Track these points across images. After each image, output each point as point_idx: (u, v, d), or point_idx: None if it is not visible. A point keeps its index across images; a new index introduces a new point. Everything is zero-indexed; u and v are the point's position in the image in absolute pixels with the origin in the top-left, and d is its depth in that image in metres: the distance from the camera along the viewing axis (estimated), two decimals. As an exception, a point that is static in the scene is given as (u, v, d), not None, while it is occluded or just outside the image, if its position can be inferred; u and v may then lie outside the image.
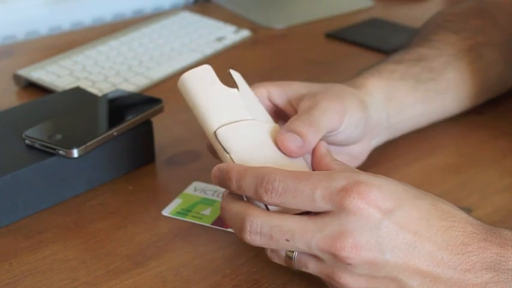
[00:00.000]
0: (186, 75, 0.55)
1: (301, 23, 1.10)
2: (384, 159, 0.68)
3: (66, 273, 0.53)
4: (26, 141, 0.60)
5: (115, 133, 0.63)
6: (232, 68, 0.59)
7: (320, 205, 0.46)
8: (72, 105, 0.68)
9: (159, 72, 0.88)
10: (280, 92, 0.60)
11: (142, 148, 0.67)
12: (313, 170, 0.53)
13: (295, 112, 0.58)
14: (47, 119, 0.64)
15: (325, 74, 0.90)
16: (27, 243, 0.56)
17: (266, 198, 0.46)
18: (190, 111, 0.54)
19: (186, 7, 1.17)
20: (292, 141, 0.53)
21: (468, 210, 0.58)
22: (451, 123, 0.74)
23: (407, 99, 0.68)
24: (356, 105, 0.59)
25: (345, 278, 0.46)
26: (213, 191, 0.63)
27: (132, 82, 0.85)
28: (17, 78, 0.85)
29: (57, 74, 0.85)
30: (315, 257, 0.47)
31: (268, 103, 0.60)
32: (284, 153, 0.53)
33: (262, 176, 0.47)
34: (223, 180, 0.49)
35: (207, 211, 0.60)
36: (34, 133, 0.61)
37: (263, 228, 0.47)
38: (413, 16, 1.12)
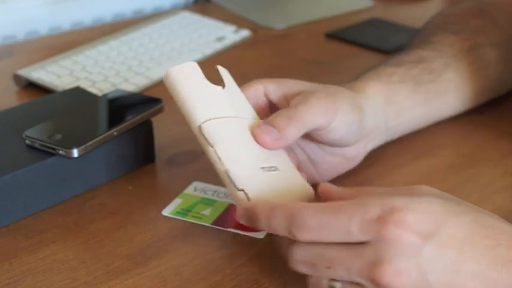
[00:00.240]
0: (171, 71, 0.55)
1: (301, 23, 1.10)
2: (383, 159, 0.68)
3: (66, 273, 0.53)
4: (26, 141, 0.60)
5: (115, 133, 0.63)
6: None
7: (357, 237, 0.44)
8: (72, 105, 0.68)
9: (159, 72, 0.88)
10: (276, 88, 0.60)
11: (142, 148, 0.67)
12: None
13: None
14: (47, 119, 0.64)
15: (325, 74, 0.90)
16: (27, 243, 0.56)
17: (300, 236, 0.46)
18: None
19: (186, 7, 1.17)
20: (267, 134, 0.54)
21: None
22: (451, 123, 0.74)
23: (407, 102, 0.67)
24: (350, 106, 0.59)
25: None
26: (213, 191, 0.63)
27: (132, 82, 0.85)
28: (17, 78, 0.85)
29: (57, 74, 0.85)
30: (358, 284, 0.45)
31: (264, 99, 0.60)
32: (262, 146, 0.54)
33: (293, 215, 0.46)
34: (251, 220, 0.49)
35: (207, 211, 0.60)
36: (34, 133, 0.61)
37: (306, 258, 0.46)
38: (413, 16, 1.12)
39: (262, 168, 0.53)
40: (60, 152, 0.59)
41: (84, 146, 0.59)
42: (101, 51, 0.93)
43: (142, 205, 0.61)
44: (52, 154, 0.59)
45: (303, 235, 0.45)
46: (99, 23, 1.12)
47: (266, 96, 0.60)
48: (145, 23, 1.03)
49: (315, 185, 0.54)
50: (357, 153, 0.63)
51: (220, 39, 1.00)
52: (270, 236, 0.57)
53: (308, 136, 0.60)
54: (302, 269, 0.47)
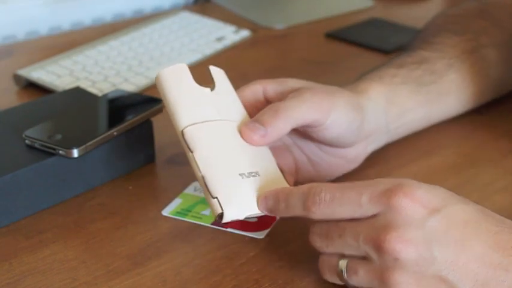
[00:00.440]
0: (161, 73, 0.56)
1: (301, 23, 1.10)
2: (383, 159, 0.68)
3: (66, 273, 0.53)
4: (26, 141, 0.60)
5: (115, 133, 0.63)
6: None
7: (367, 208, 0.46)
8: (72, 105, 0.68)
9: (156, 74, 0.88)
10: (275, 87, 0.59)
11: (142, 148, 0.67)
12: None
13: None
14: (47, 119, 0.64)
15: (325, 74, 0.90)
16: (27, 243, 0.56)
17: (314, 209, 0.47)
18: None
19: (186, 7, 1.17)
20: (253, 131, 0.54)
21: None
22: (451, 123, 0.74)
23: (408, 104, 0.67)
24: (348, 105, 0.59)
25: (394, 277, 0.45)
26: (213, 191, 0.63)
27: (132, 82, 0.85)
28: (17, 78, 0.85)
29: (57, 74, 0.85)
30: (365, 260, 0.46)
31: (263, 99, 0.60)
32: (249, 143, 0.54)
33: (309, 189, 0.48)
34: (273, 204, 0.51)
35: (207, 211, 0.60)
36: (34, 133, 0.61)
37: (322, 229, 0.48)
38: (413, 16, 1.12)
39: (241, 174, 0.53)
40: (60, 152, 0.59)
41: (84, 146, 0.59)
42: (101, 51, 0.93)
43: (142, 205, 0.61)
44: (52, 154, 0.59)
45: (318, 209, 0.47)
46: (99, 23, 1.12)
47: (265, 96, 0.60)
48: (145, 23, 1.03)
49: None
50: (357, 154, 0.63)
51: (220, 39, 1.00)
52: (270, 236, 0.57)
53: (306, 135, 0.60)
54: (317, 241, 0.49)
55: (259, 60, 0.97)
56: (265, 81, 0.60)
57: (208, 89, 0.57)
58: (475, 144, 0.73)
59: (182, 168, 0.67)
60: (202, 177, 0.52)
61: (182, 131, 0.54)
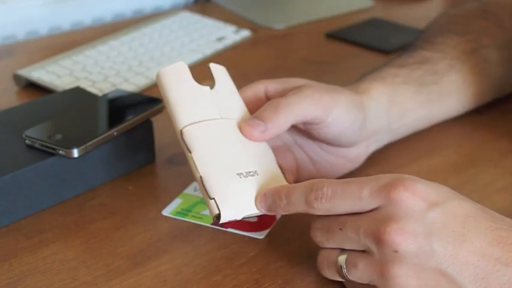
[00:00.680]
0: (161, 72, 0.56)
1: (301, 23, 1.10)
2: (383, 159, 0.68)
3: (66, 273, 0.53)
4: (26, 141, 0.60)
5: (115, 133, 0.63)
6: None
7: (367, 202, 0.46)
8: (72, 105, 0.68)
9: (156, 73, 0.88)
10: (277, 86, 0.60)
11: (142, 148, 0.67)
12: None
13: None
14: (47, 119, 0.64)
15: (325, 74, 0.90)
16: (27, 243, 0.56)
17: (317, 204, 0.48)
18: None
19: (186, 7, 1.17)
20: (253, 127, 0.54)
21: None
22: (451, 123, 0.74)
23: (410, 104, 0.67)
24: (350, 103, 0.59)
25: (394, 270, 0.45)
26: (213, 191, 0.63)
27: (132, 82, 0.85)
28: (17, 78, 0.85)
29: (57, 74, 0.85)
30: (365, 253, 0.47)
31: (265, 99, 0.60)
32: (250, 139, 0.55)
33: (311, 184, 0.48)
34: (273, 202, 0.51)
35: (207, 211, 0.60)
36: (34, 133, 0.61)
37: (323, 223, 0.49)
38: (413, 16, 1.12)
39: (239, 174, 0.53)
40: (60, 152, 0.59)
41: (84, 146, 0.59)
42: (101, 51, 0.93)
43: (142, 205, 0.61)
44: (52, 154, 0.59)
45: (320, 204, 0.47)
46: (99, 23, 1.12)
47: (267, 96, 0.60)
48: (145, 23, 1.03)
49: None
50: (358, 154, 0.63)
51: (220, 39, 1.00)
52: (270, 236, 0.57)
53: (307, 134, 0.60)
54: (317, 236, 0.49)
55: (260, 60, 0.97)
56: (267, 81, 0.60)
57: (207, 88, 0.57)
58: (475, 144, 0.73)
59: (182, 168, 0.67)
60: (200, 177, 0.52)
61: (181, 131, 0.54)
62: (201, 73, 0.58)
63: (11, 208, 0.58)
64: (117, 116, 0.66)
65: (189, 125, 0.54)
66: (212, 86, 0.57)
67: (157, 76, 0.56)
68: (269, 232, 0.58)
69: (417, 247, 0.44)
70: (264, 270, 0.53)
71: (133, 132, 0.65)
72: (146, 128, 0.67)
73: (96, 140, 0.61)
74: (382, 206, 0.46)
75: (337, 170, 0.63)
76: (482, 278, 0.44)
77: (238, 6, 1.15)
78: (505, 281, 0.44)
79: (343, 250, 0.48)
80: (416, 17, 1.11)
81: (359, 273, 0.47)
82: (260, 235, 0.57)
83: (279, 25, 1.08)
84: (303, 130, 0.60)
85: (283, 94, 0.58)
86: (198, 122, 0.54)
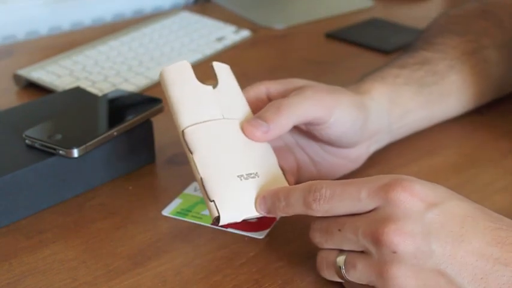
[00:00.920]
0: (164, 71, 0.56)
1: (301, 23, 1.10)
2: (384, 159, 0.68)
3: (66, 273, 0.53)
4: (26, 141, 0.60)
5: (115, 133, 0.63)
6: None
7: (366, 203, 0.46)
8: (72, 105, 0.68)
9: (159, 72, 0.88)
10: (278, 87, 0.60)
11: (142, 148, 0.67)
12: None
13: None
14: (47, 119, 0.64)
15: (325, 74, 0.90)
16: (27, 243, 0.56)
17: (315, 206, 0.48)
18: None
19: (186, 7, 1.17)
20: (255, 128, 0.54)
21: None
22: (451, 123, 0.74)
23: (410, 104, 0.67)
24: (352, 103, 0.59)
25: (392, 271, 0.45)
26: (213, 191, 0.63)
27: (132, 82, 0.85)
28: (17, 78, 0.85)
29: (57, 74, 0.85)
30: (364, 254, 0.47)
31: (266, 100, 0.60)
32: (252, 140, 0.54)
33: (309, 186, 0.48)
34: (272, 204, 0.51)
35: (207, 211, 0.60)
36: (34, 133, 0.61)
37: (322, 224, 0.49)
38: (413, 16, 1.12)
39: (240, 176, 0.53)
40: (60, 152, 0.59)
41: (84, 146, 0.59)
42: (101, 51, 0.93)
43: (142, 205, 0.61)
44: (52, 154, 0.59)
45: (319, 205, 0.48)
46: (99, 23, 1.12)
47: (268, 97, 0.60)
48: (145, 23, 1.03)
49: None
50: (359, 154, 0.63)
51: (220, 39, 1.00)
52: (270, 236, 0.57)
53: (309, 134, 0.60)
54: (316, 237, 0.49)
55: (260, 60, 0.96)
56: (268, 82, 0.60)
57: (210, 87, 0.57)
58: (475, 144, 0.73)
59: (182, 168, 0.67)
60: (201, 178, 0.52)
61: (183, 131, 0.54)
62: (204, 73, 0.58)
63: (11, 208, 0.58)
64: (117, 116, 0.66)
65: (191, 125, 0.54)
66: (215, 85, 0.57)
67: (161, 74, 0.56)
68: (269, 232, 0.58)
69: (415, 247, 0.44)
70: (264, 270, 0.53)
71: (133, 132, 0.65)
72: (146, 128, 0.67)
73: (96, 140, 0.61)
74: (380, 206, 0.46)
75: (338, 170, 0.63)
76: (481, 278, 0.44)
77: (238, 6, 1.15)
78: (504, 281, 0.44)
79: (342, 251, 0.48)
80: (416, 17, 1.11)
81: (358, 273, 0.47)
82: (260, 235, 0.57)
83: (279, 25, 1.08)
84: (304, 131, 0.60)
85: (284, 95, 0.58)
86: (200, 122, 0.54)
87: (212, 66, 0.59)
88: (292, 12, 1.16)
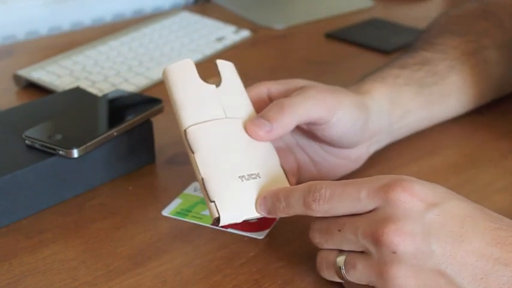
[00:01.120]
0: (167, 69, 0.56)
1: (301, 23, 1.10)
2: (384, 159, 0.68)
3: (66, 273, 0.53)
4: (26, 142, 0.60)
5: (115, 133, 0.63)
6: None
7: (366, 203, 0.46)
8: (72, 105, 0.68)
9: (159, 72, 0.88)
10: (280, 87, 0.60)
11: (142, 148, 0.67)
12: None
13: None
14: (47, 119, 0.64)
15: (325, 74, 0.90)
16: (27, 243, 0.56)
17: (315, 206, 0.48)
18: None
19: (186, 7, 1.17)
20: (259, 127, 0.54)
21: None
22: (451, 123, 0.74)
23: (411, 105, 0.68)
24: (353, 103, 0.59)
25: (392, 271, 0.45)
26: (213, 191, 0.63)
27: (132, 82, 0.85)
28: (17, 78, 0.85)
29: (57, 74, 0.85)
30: (364, 254, 0.47)
31: (267, 101, 0.60)
32: (255, 139, 0.54)
33: (309, 186, 0.49)
34: (272, 205, 0.51)
35: (207, 211, 0.60)
36: (34, 133, 0.61)
37: (322, 224, 0.49)
38: (413, 16, 1.12)
39: (241, 177, 0.53)
40: (60, 152, 0.59)
41: (84, 146, 0.59)
42: (101, 52, 0.93)
43: (142, 205, 0.61)
44: (52, 154, 0.59)
45: (318, 205, 0.48)
46: (99, 23, 1.12)
47: (269, 97, 0.60)
48: (145, 23, 1.03)
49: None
50: (360, 155, 0.63)
51: (220, 39, 1.00)
52: (270, 236, 0.57)
53: (310, 135, 0.60)
54: (316, 237, 0.49)
55: (260, 61, 0.96)
56: (269, 82, 0.60)
57: (213, 86, 0.57)
58: (475, 144, 0.73)
59: (182, 168, 0.67)
60: (202, 179, 0.52)
61: (185, 131, 0.54)
62: (206, 72, 0.58)
63: (11, 208, 0.58)
64: (117, 116, 0.66)
65: (193, 125, 0.54)
66: (218, 83, 0.57)
67: (164, 73, 0.56)
68: (269, 232, 0.58)
69: (415, 248, 0.44)
70: (264, 270, 0.53)
71: (133, 132, 0.65)
72: (146, 128, 0.67)
73: (96, 140, 0.61)
74: (380, 207, 0.46)
75: (339, 170, 0.63)
76: (481, 278, 0.44)
77: (238, 6, 1.15)
78: (504, 281, 0.44)
79: (341, 251, 0.48)
80: (416, 17, 1.11)
81: (358, 274, 0.47)
82: (260, 235, 0.57)
83: (279, 25, 1.08)
84: (305, 131, 0.60)
85: (286, 95, 0.58)
86: (203, 122, 0.54)
87: (216, 64, 0.58)
88: (292, 12, 1.16)
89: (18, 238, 0.57)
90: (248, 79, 0.62)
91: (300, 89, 0.58)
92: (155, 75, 0.87)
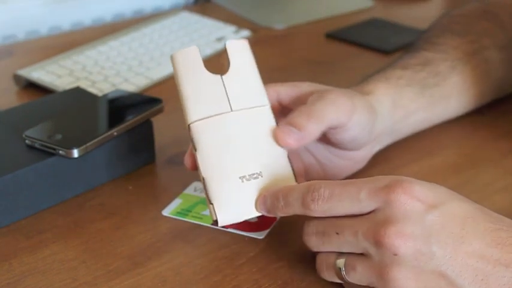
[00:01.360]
0: (174, 56, 0.55)
1: (301, 23, 1.10)
2: (384, 159, 0.68)
3: (66, 273, 0.53)
4: (26, 141, 0.60)
5: (115, 133, 0.63)
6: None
7: (366, 204, 0.46)
8: (72, 105, 0.68)
9: (159, 72, 0.88)
10: (288, 91, 0.59)
11: (142, 148, 0.67)
12: None
13: None
14: (47, 119, 0.64)
15: (325, 74, 0.90)
16: (27, 243, 0.56)
17: (313, 206, 0.48)
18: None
19: (186, 7, 1.17)
20: (288, 135, 0.54)
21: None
22: (451, 123, 0.74)
23: (412, 106, 0.68)
24: (366, 106, 0.60)
25: (393, 273, 0.45)
26: (213, 191, 0.63)
27: (132, 82, 0.85)
28: (17, 78, 0.85)
29: (57, 74, 0.85)
30: (363, 256, 0.47)
31: (276, 104, 0.59)
32: (282, 146, 0.54)
33: (308, 186, 0.48)
34: (271, 204, 0.51)
35: (207, 211, 0.60)
36: (34, 133, 0.61)
37: (318, 227, 0.49)
38: (413, 16, 1.12)
39: (242, 177, 0.52)
40: (60, 152, 0.59)
41: (84, 146, 0.59)
42: (101, 51, 0.93)
43: (142, 205, 0.61)
44: (52, 154, 0.59)
45: (317, 205, 0.47)
46: (99, 23, 1.12)
47: (278, 101, 0.60)
48: (145, 23, 1.03)
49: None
50: (364, 155, 0.63)
51: (220, 39, 1.00)
52: (270, 236, 0.57)
53: (320, 137, 0.60)
54: (312, 241, 0.49)
55: (260, 61, 0.95)
56: (277, 85, 0.60)
57: (218, 76, 0.55)
58: (475, 144, 0.73)
59: (182, 168, 0.67)
60: (203, 178, 0.52)
61: (189, 126, 0.53)
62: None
63: (11, 208, 0.58)
64: (117, 116, 0.66)
65: (197, 120, 0.53)
66: (227, 68, 0.56)
67: (171, 59, 0.55)
68: (269, 232, 0.58)
69: (416, 250, 0.44)
70: (264, 270, 0.53)
71: (133, 132, 0.65)
72: (146, 128, 0.67)
73: (96, 140, 0.61)
74: (380, 208, 0.46)
75: (344, 171, 0.63)
76: (482, 280, 0.44)
77: (238, 6, 1.15)
78: (505, 282, 0.44)
79: (340, 253, 0.48)
80: (416, 17, 1.11)
81: (358, 275, 0.47)
82: (260, 235, 0.57)
83: (279, 25, 1.08)
84: None
85: (297, 100, 0.58)
86: (207, 117, 0.53)
87: (225, 46, 0.57)
88: (292, 12, 1.16)
89: (18, 238, 0.57)
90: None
91: (316, 95, 0.57)
92: (155, 75, 0.87)
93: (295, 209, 0.49)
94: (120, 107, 0.68)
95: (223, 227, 0.58)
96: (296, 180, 0.54)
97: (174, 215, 0.60)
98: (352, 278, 0.47)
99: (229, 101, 0.55)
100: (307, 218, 0.50)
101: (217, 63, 0.58)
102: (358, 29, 1.05)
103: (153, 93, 0.78)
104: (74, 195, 0.62)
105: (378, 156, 0.67)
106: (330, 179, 0.61)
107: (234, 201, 0.52)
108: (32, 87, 0.84)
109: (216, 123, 0.54)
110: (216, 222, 0.51)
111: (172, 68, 0.55)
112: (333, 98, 0.56)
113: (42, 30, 1.07)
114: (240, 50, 0.58)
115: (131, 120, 0.64)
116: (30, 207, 0.59)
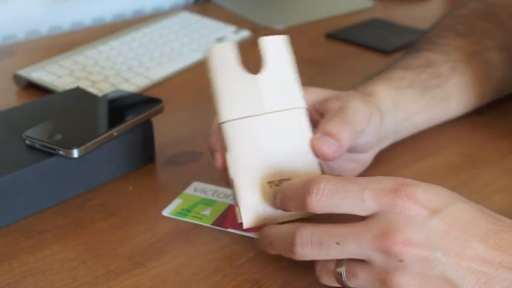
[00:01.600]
0: (209, 52, 0.54)
1: (301, 23, 1.10)
2: (384, 159, 0.68)
3: (66, 273, 0.53)
4: (26, 141, 0.60)
5: (115, 133, 0.63)
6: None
7: (369, 205, 0.46)
8: (72, 105, 0.68)
9: (159, 72, 0.88)
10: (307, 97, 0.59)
11: (143, 148, 0.67)
12: None
13: (320, 115, 0.57)
14: (47, 119, 0.64)
15: (325, 74, 0.90)
16: (27, 243, 0.56)
17: (315, 202, 0.46)
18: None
19: (186, 7, 1.17)
20: (328, 146, 0.53)
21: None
22: (452, 123, 0.74)
23: (413, 108, 0.68)
24: (377, 110, 0.60)
25: (396, 279, 0.45)
26: (213, 191, 0.63)
27: (132, 82, 0.85)
28: (17, 78, 0.85)
29: (57, 74, 0.85)
30: (365, 263, 0.46)
31: None
32: (320, 158, 0.53)
33: (308, 179, 0.47)
34: (279, 202, 0.50)
35: (207, 211, 0.60)
36: (34, 133, 0.61)
37: (313, 236, 0.47)
38: (413, 16, 1.12)
39: (271, 182, 0.51)
40: (60, 152, 0.59)
41: (84, 146, 0.59)
42: (101, 52, 0.93)
43: (142, 205, 0.61)
44: (52, 154, 0.59)
45: (318, 200, 0.46)
46: (99, 23, 1.12)
47: None
48: (145, 23, 1.03)
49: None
50: (369, 157, 0.64)
51: (220, 39, 1.00)
52: (270, 236, 0.57)
53: None
54: (307, 251, 0.47)
55: (260, 61, 0.96)
56: None
57: (252, 76, 0.54)
58: (475, 144, 0.73)
59: (182, 168, 0.67)
60: (232, 180, 0.52)
61: (220, 125, 0.53)
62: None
63: (11, 208, 0.58)
64: (117, 116, 0.66)
65: (229, 120, 0.52)
66: (262, 67, 0.55)
67: (206, 54, 0.54)
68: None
69: (422, 257, 0.44)
70: (264, 270, 0.53)
71: (133, 132, 0.65)
72: (146, 128, 0.67)
73: (96, 140, 0.61)
74: (382, 212, 0.45)
75: (351, 173, 0.63)
76: (485, 282, 0.44)
77: (238, 6, 1.15)
78: (507, 284, 0.44)
79: (340, 260, 0.48)
80: (416, 17, 1.11)
81: (359, 281, 0.47)
82: (260, 235, 0.57)
83: (279, 25, 1.08)
84: None
85: (311, 108, 0.57)
86: (239, 118, 0.53)
87: (259, 43, 0.56)
88: (292, 12, 1.16)
89: (18, 238, 0.57)
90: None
91: (337, 101, 0.57)
92: (155, 75, 0.87)
93: (294, 204, 0.48)
94: (120, 107, 0.68)
95: (223, 226, 0.58)
96: None
97: (174, 215, 0.60)
98: (354, 283, 0.47)
99: (263, 102, 0.54)
100: (297, 226, 0.48)
101: (253, 59, 0.56)
102: (358, 29, 1.05)
103: (153, 93, 0.78)
104: (74, 195, 0.62)
105: (378, 157, 0.67)
106: None
107: (260, 206, 0.51)
108: (32, 87, 0.84)
109: (248, 125, 0.53)
110: (241, 225, 0.51)
111: (208, 64, 0.54)
112: (356, 105, 0.57)
113: (42, 30, 1.07)
114: (275, 47, 0.57)
115: (131, 121, 0.64)
116: (30, 207, 0.59)
